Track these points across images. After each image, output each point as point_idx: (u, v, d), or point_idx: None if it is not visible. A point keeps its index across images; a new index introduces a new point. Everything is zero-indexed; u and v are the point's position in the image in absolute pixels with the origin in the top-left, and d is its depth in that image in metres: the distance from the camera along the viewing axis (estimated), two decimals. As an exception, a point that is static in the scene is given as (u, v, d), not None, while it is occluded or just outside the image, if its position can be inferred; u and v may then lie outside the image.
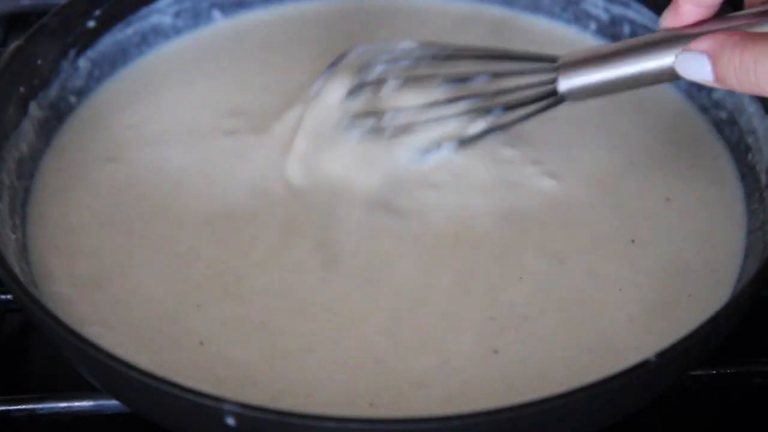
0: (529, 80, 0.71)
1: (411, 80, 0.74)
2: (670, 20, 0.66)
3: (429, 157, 0.74)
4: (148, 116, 0.81)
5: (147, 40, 0.87)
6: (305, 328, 0.67)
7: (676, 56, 0.64)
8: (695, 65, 0.62)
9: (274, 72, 0.85)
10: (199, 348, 0.66)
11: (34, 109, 0.78)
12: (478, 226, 0.72)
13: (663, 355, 0.57)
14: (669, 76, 0.65)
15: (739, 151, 0.76)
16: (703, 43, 0.62)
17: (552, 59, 0.70)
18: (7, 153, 0.74)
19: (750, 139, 0.75)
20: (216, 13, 0.90)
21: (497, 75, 0.73)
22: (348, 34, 0.88)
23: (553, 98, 0.70)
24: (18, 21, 0.99)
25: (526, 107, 0.71)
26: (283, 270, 0.70)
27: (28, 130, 0.77)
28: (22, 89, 0.77)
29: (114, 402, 0.66)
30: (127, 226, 0.73)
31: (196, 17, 0.89)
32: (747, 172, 0.75)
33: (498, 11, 0.90)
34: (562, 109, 0.71)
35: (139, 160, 0.78)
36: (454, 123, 0.74)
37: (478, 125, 0.73)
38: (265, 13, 0.91)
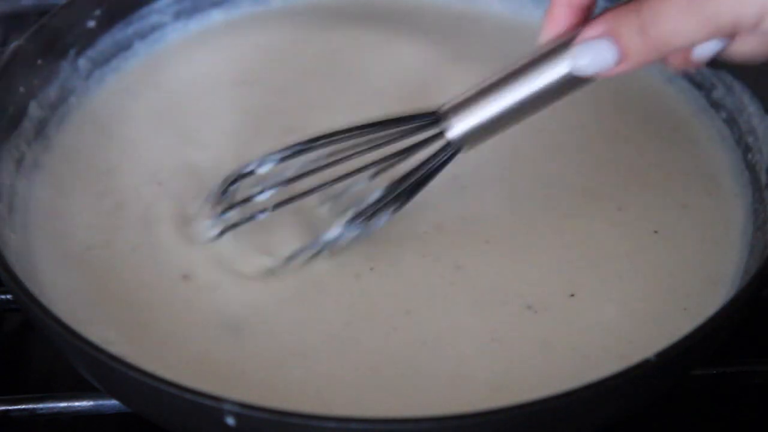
0: (416, 138, 0.65)
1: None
2: (548, 31, 0.62)
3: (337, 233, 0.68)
4: (148, 116, 0.81)
5: (147, 40, 0.87)
6: None
7: (573, 54, 0.60)
8: (596, 52, 0.59)
9: (274, 71, 0.85)
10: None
11: (34, 109, 0.78)
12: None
13: (663, 355, 0.57)
14: (568, 84, 0.61)
15: (739, 151, 0.76)
16: (597, 27, 0.59)
17: (432, 112, 0.64)
18: (7, 153, 0.74)
19: (750, 139, 0.75)
20: (216, 13, 0.90)
21: (377, 144, 0.66)
22: (345, 31, 0.88)
23: (449, 149, 0.64)
24: (18, 21, 0.99)
25: (421, 168, 0.65)
26: None
27: (28, 130, 0.77)
28: (22, 89, 0.77)
29: (114, 402, 0.66)
30: (130, 225, 0.73)
31: (196, 17, 0.89)
32: (747, 172, 0.75)
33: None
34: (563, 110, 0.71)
35: (139, 160, 0.78)
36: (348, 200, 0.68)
37: (375, 194, 0.67)
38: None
